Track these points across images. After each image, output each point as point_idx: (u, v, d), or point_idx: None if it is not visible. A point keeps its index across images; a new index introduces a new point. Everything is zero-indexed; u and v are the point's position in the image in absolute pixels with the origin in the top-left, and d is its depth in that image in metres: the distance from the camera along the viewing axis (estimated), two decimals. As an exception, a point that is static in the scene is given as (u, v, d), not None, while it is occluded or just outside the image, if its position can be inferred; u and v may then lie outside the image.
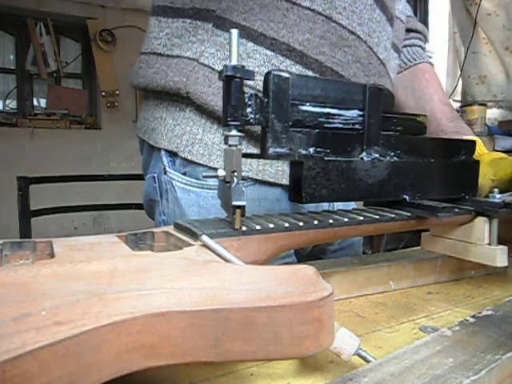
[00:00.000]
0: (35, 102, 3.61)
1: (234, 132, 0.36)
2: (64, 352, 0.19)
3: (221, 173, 0.36)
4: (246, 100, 0.36)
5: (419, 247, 0.59)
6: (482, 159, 0.56)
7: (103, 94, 3.58)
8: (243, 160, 0.37)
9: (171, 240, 0.37)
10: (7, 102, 3.50)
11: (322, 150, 0.41)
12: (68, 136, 3.50)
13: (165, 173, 0.63)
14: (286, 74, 0.37)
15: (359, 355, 0.31)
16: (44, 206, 1.92)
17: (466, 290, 0.53)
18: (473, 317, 0.36)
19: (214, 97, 0.57)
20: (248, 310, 0.24)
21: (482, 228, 0.50)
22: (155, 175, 0.65)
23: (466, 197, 0.53)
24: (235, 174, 0.36)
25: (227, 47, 0.57)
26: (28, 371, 0.18)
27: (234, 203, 0.35)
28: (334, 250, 0.74)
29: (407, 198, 0.48)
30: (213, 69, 0.58)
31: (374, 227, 0.44)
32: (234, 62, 0.35)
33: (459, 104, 2.35)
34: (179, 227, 0.38)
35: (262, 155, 0.38)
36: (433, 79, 0.82)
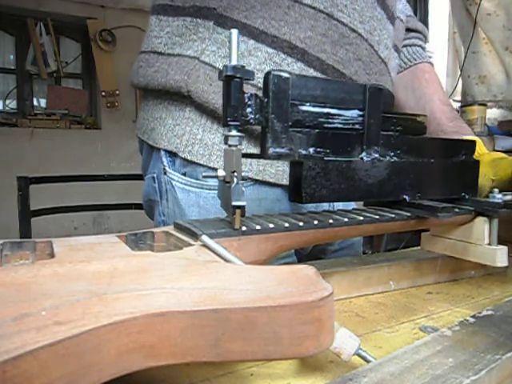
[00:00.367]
0: (35, 102, 3.61)
1: (233, 132, 0.36)
2: (64, 352, 0.19)
3: (221, 173, 0.36)
4: (246, 100, 0.36)
5: (419, 247, 0.59)
6: (482, 159, 0.56)
7: (103, 94, 3.58)
8: (243, 160, 0.37)
9: (171, 240, 0.37)
10: (7, 101, 3.50)
11: (321, 150, 0.41)
12: (68, 136, 3.50)
13: (164, 173, 0.63)
14: (285, 74, 0.37)
15: (359, 355, 0.31)
16: (44, 206, 1.92)
17: (465, 290, 0.53)
18: (473, 317, 0.36)
19: (215, 95, 0.57)
20: (248, 309, 0.24)
21: (481, 228, 0.50)
22: (155, 175, 0.65)
23: (466, 197, 0.53)
24: (235, 174, 0.36)
25: (228, 45, 0.57)
26: (28, 371, 0.18)
27: (234, 203, 0.35)
28: (335, 250, 0.74)
29: (407, 198, 0.48)
30: (214, 67, 0.58)
31: (374, 227, 0.44)
32: (234, 62, 0.35)
33: (459, 104, 2.35)
34: (179, 227, 0.38)
35: (262, 155, 0.38)
36: (433, 79, 0.82)
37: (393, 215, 0.45)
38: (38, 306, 0.21)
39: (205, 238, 0.33)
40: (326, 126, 0.41)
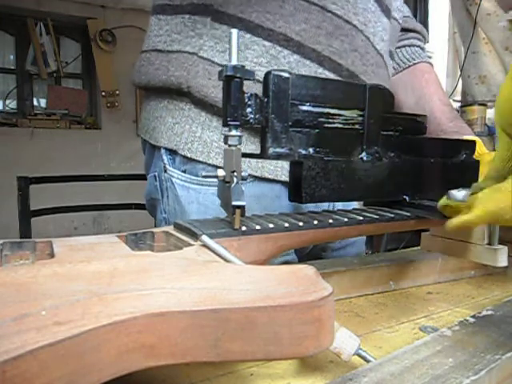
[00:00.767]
0: (35, 102, 3.61)
1: (233, 132, 0.36)
2: (64, 352, 0.19)
3: (220, 173, 0.36)
4: (246, 100, 0.36)
5: (419, 247, 0.58)
6: (482, 159, 0.56)
7: (103, 94, 3.58)
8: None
9: (171, 240, 0.37)
10: (7, 101, 3.50)
11: (321, 149, 0.41)
12: (68, 136, 3.50)
13: (165, 171, 0.64)
14: (285, 74, 0.37)
15: (359, 355, 0.31)
16: (44, 206, 1.93)
17: (465, 290, 0.53)
18: (473, 317, 0.36)
19: (214, 89, 0.58)
20: (248, 309, 0.24)
21: (481, 228, 0.50)
22: (156, 174, 0.66)
23: (466, 197, 0.53)
24: (235, 173, 0.36)
25: (226, 40, 0.58)
26: (28, 371, 0.18)
27: (234, 203, 0.35)
28: (337, 248, 0.74)
29: (407, 198, 0.48)
30: (212, 61, 0.59)
31: (374, 227, 0.44)
32: (234, 62, 0.35)
33: (459, 104, 2.34)
34: (179, 227, 0.38)
35: (262, 155, 0.38)
36: (432, 79, 0.82)
37: (393, 215, 0.45)
38: (38, 306, 0.21)
39: (205, 238, 0.33)
40: (325, 125, 0.41)
